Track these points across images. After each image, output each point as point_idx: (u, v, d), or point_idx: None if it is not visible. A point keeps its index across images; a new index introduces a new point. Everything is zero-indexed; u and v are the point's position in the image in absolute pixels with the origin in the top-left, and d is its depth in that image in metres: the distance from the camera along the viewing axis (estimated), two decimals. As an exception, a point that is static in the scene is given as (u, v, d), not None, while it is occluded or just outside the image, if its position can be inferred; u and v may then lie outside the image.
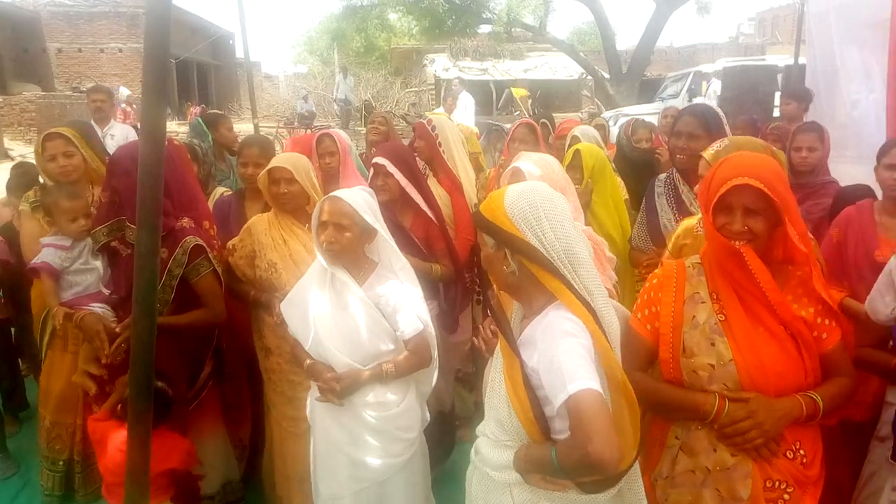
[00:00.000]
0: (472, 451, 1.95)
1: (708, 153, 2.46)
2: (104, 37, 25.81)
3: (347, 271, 2.48)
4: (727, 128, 2.97)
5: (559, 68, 24.78)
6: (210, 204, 3.51)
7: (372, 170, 3.26)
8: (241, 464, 3.31)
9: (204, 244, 2.77)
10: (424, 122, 3.95)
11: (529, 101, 19.00)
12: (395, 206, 3.23)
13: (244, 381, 3.29)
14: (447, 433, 3.52)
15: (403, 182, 3.19)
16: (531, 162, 2.63)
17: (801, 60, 7.04)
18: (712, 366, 1.86)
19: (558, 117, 11.52)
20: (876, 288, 2.23)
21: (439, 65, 24.93)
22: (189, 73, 28.30)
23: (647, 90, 18.42)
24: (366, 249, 2.55)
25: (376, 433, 2.44)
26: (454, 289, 3.36)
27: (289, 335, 2.70)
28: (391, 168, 3.17)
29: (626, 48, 22.12)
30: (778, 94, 7.87)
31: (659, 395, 1.95)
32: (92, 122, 5.28)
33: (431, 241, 3.27)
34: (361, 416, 2.44)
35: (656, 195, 3.10)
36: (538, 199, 1.68)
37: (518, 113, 18.31)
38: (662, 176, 3.18)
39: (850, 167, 4.31)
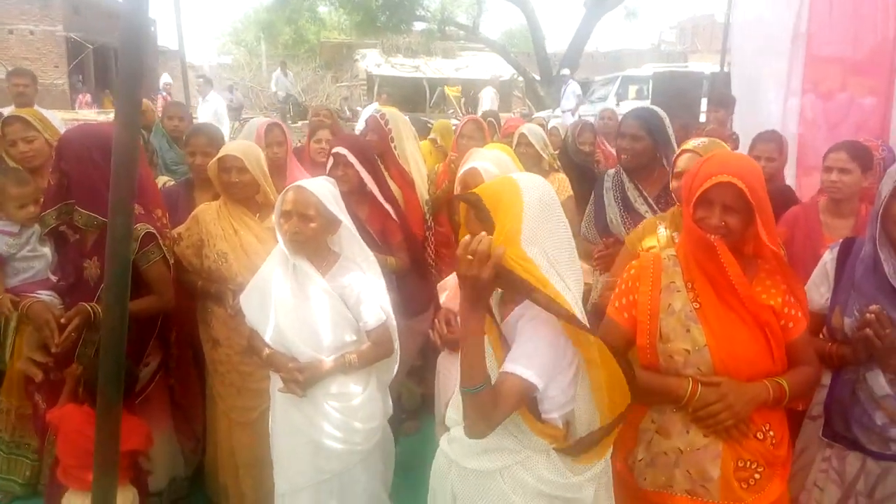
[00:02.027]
0: (444, 444, 1.97)
1: (688, 149, 2.60)
2: (14, 18, 24.37)
3: (310, 262, 2.48)
4: (670, 130, 3.12)
5: (491, 68, 25.07)
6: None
7: (331, 159, 3.24)
8: (196, 458, 3.24)
9: (155, 231, 2.71)
10: (378, 115, 3.96)
11: (462, 100, 19.17)
12: (352, 197, 3.23)
13: (192, 373, 3.22)
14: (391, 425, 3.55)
15: (363, 173, 3.20)
16: (488, 161, 2.68)
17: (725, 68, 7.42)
18: (687, 351, 1.94)
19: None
20: (812, 279, 2.40)
21: (371, 60, 24.79)
22: (108, 61, 27.05)
23: (577, 92, 18.85)
24: (328, 241, 2.55)
25: (338, 424, 2.45)
26: (409, 282, 3.39)
27: (240, 326, 2.68)
28: (351, 158, 3.17)
29: (555, 51, 22.57)
30: (704, 100, 8.26)
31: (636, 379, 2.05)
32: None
33: (388, 234, 3.29)
34: (323, 407, 2.44)
35: (605, 190, 3.22)
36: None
37: (451, 111, 18.45)
38: (611, 171, 3.29)
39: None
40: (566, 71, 16.42)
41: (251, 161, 2.97)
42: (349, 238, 2.55)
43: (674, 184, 2.61)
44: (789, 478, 2.16)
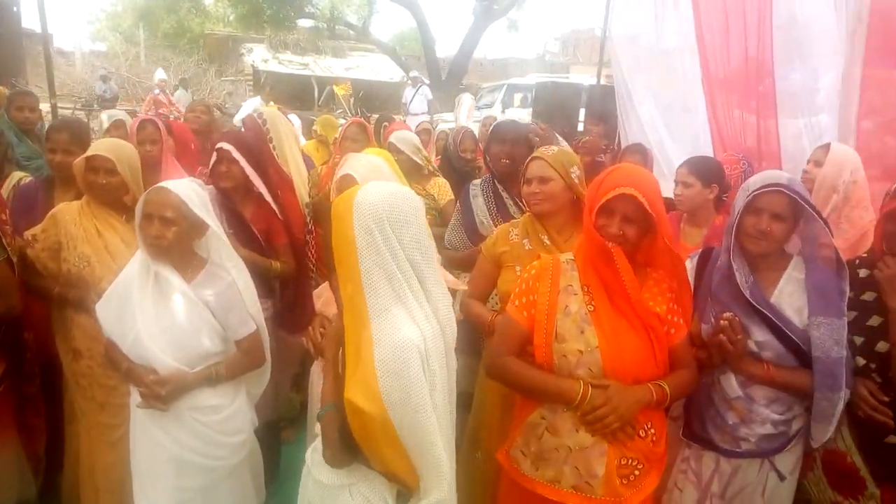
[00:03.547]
0: (308, 453, 1.92)
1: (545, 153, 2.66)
2: None
3: (174, 268, 2.34)
4: (534, 138, 3.23)
5: (381, 70, 24.95)
6: (5, 190, 3.14)
7: (215, 155, 3.10)
8: (38, 479, 2.97)
9: None
10: (255, 115, 3.81)
11: (351, 100, 18.93)
12: (236, 195, 3.10)
13: (39, 387, 2.97)
14: (273, 435, 3.43)
15: (248, 170, 3.07)
16: (361, 166, 2.63)
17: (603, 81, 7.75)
18: (581, 351, 2.04)
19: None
20: None
21: (257, 55, 24.01)
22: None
23: (465, 98, 19.12)
24: (195, 245, 2.42)
25: (203, 438, 2.33)
26: (293, 287, 3.28)
27: (102, 336, 2.49)
28: (236, 154, 3.05)
29: (445, 56, 22.79)
30: (582, 111, 8.59)
31: (531, 380, 2.10)
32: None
33: (272, 236, 3.18)
34: (188, 421, 2.31)
35: (472, 197, 3.30)
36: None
37: (340, 111, 18.17)
38: (477, 181, 3.38)
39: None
40: (415, 73, 16.51)
41: (122, 162, 2.79)
42: (217, 242, 2.42)
43: (524, 189, 2.68)
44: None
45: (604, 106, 7.04)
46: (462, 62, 19.93)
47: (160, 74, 16.65)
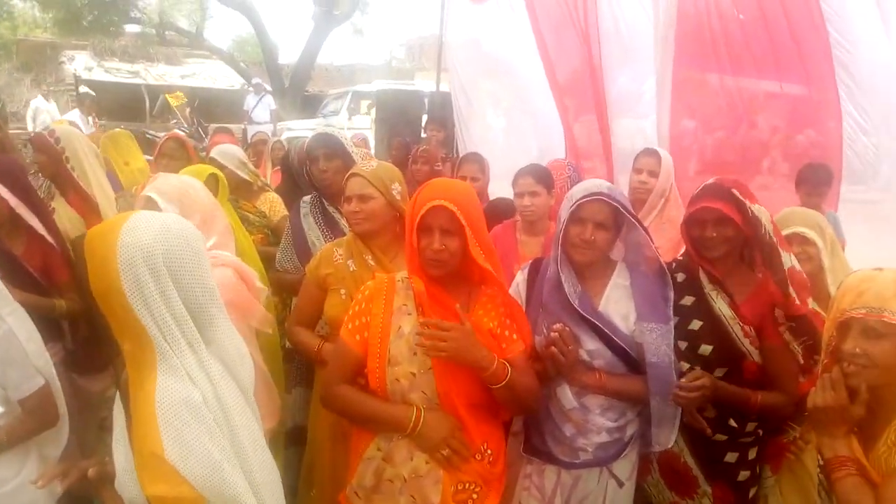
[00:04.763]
0: None
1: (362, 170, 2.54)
2: None
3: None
4: (352, 150, 3.08)
5: (220, 77, 23.81)
6: None
7: None
8: None
9: None
10: (47, 133, 3.36)
11: (188, 110, 17.85)
12: (1, 230, 2.68)
13: None
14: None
15: (13, 201, 2.66)
16: (167, 187, 2.36)
17: (445, 87, 7.78)
18: (414, 374, 1.96)
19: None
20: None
21: (80, 63, 22.09)
22: None
23: (310, 105, 18.66)
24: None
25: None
26: (84, 324, 2.90)
27: None
28: None
29: (289, 62, 22.16)
30: (425, 118, 8.59)
31: (364, 407, 2.02)
32: None
33: (52, 271, 2.79)
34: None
35: (302, 216, 3.09)
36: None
37: (175, 122, 17.10)
38: (307, 197, 3.17)
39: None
40: (257, 80, 16.04)
41: None
42: (-17, 287, 2.05)
43: (345, 207, 2.56)
44: (498, 497, 2.21)
45: (445, 112, 7.06)
46: (305, 69, 19.44)
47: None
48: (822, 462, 1.74)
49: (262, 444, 1.58)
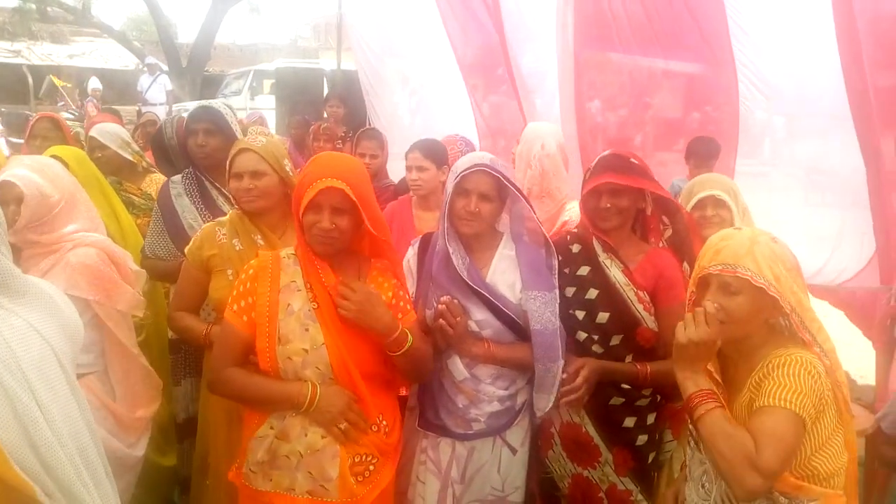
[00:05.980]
0: None
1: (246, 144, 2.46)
2: None
3: None
4: (235, 125, 2.97)
5: (112, 57, 22.52)
6: None
7: None
8: None
9: None
10: None
11: (76, 92, 16.77)
12: None
13: None
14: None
15: None
16: (26, 168, 2.20)
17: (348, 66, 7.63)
18: (306, 350, 1.94)
19: (124, 110, 10.49)
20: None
21: (-50, 42, 20.42)
22: None
23: (211, 86, 17.94)
24: None
25: None
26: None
27: None
28: None
29: (188, 41, 21.18)
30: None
31: (255, 388, 1.99)
32: None
33: None
34: None
35: (174, 197, 2.91)
36: None
37: (62, 104, 16.06)
38: (177, 177, 2.99)
39: (391, 163, 4.75)
40: (151, 59, 15.38)
41: None
42: None
43: (233, 184, 2.46)
44: (397, 472, 2.23)
45: (345, 90, 6.93)
46: (204, 48, 18.63)
47: (94, 83, 13.60)
48: (685, 400, 1.75)
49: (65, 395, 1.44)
